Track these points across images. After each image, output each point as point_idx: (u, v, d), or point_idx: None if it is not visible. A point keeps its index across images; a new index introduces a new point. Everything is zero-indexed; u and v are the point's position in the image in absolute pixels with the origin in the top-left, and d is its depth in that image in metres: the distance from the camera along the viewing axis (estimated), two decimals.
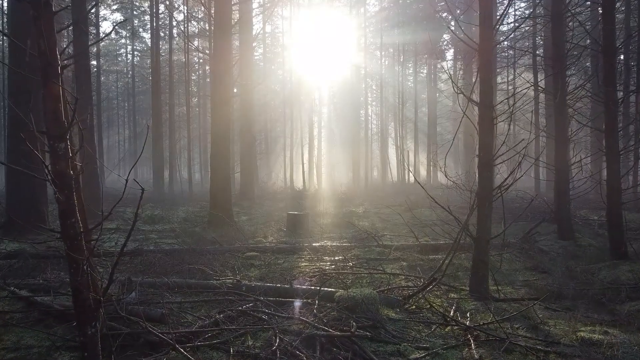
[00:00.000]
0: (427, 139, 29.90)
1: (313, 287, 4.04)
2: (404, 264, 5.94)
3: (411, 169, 28.27)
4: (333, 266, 5.58)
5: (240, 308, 3.61)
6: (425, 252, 6.72)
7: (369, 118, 38.90)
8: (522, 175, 4.02)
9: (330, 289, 4.02)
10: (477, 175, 4.34)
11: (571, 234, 8.45)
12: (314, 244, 6.92)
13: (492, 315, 3.52)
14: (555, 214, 8.67)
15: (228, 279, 4.35)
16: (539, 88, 10.79)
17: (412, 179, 29.53)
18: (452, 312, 3.72)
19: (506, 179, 4.00)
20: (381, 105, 30.14)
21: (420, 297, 4.06)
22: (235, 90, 18.30)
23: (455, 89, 4.57)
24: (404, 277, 5.03)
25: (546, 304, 4.17)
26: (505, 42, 21.76)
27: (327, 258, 6.15)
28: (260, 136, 30.82)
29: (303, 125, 26.29)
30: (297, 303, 3.70)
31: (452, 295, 4.39)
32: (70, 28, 12.27)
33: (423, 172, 31.74)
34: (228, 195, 10.05)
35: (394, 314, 3.64)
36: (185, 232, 9.18)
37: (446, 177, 4.49)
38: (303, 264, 5.78)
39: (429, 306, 3.90)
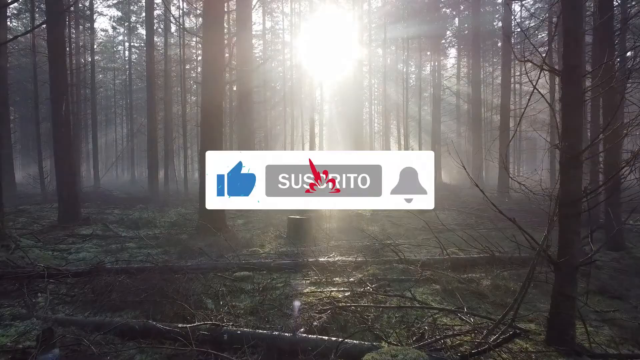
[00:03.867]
0: (430, 138, 28.61)
1: (327, 338, 2.75)
2: (437, 287, 4.65)
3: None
4: (348, 292, 4.28)
5: None
6: (458, 269, 5.44)
7: (372, 116, 37.65)
8: (630, 173, 2.73)
9: (353, 342, 2.71)
10: (558, 175, 3.05)
11: (622, 244, 7.24)
12: (320, 259, 5.61)
13: None
14: (603, 220, 7.41)
15: (203, 324, 3.02)
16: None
17: None
18: None
19: (609, 180, 2.70)
20: (384, 103, 28.89)
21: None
22: (234, 88, 17.03)
23: (520, 55, 3.28)
24: (444, 312, 3.74)
25: None
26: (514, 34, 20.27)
27: (338, 279, 4.84)
28: (260, 134, 29.53)
29: (304, 123, 25.03)
30: None
31: (522, 343, 3.10)
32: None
33: None
34: None
35: None
36: (170, 241, 7.90)
37: (511, 178, 3.20)
38: (308, 290, 4.48)
39: None
